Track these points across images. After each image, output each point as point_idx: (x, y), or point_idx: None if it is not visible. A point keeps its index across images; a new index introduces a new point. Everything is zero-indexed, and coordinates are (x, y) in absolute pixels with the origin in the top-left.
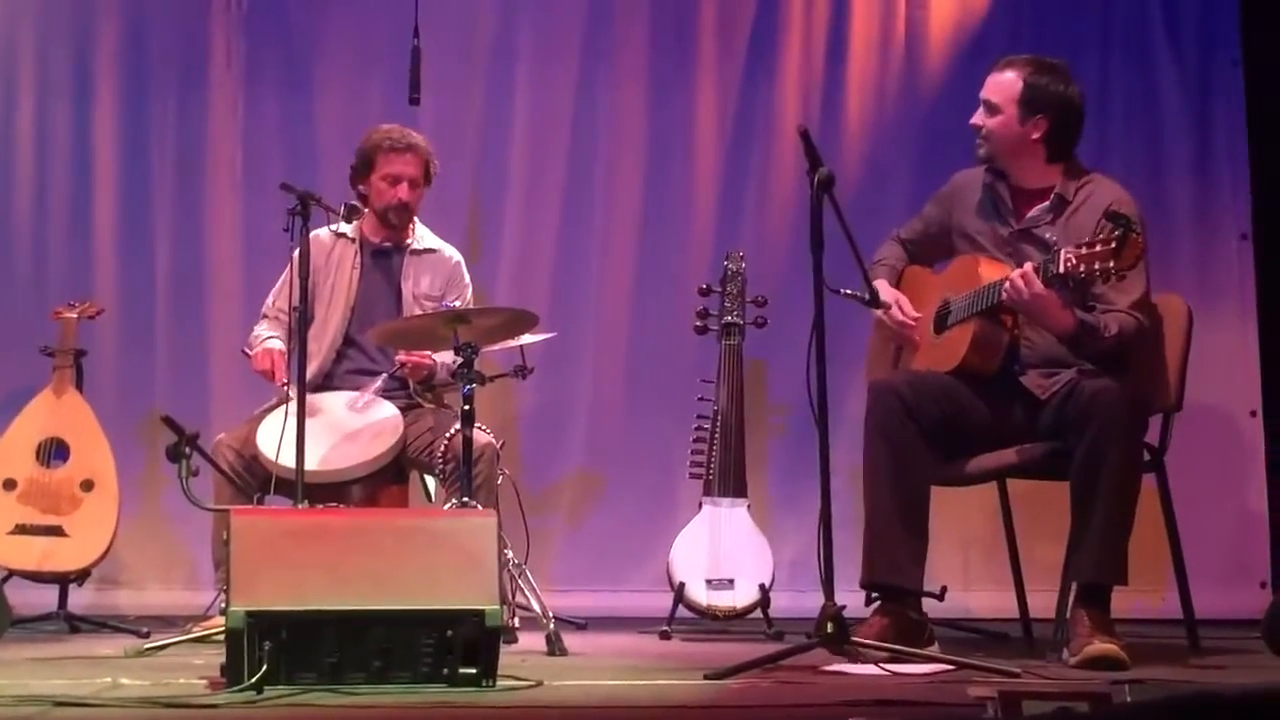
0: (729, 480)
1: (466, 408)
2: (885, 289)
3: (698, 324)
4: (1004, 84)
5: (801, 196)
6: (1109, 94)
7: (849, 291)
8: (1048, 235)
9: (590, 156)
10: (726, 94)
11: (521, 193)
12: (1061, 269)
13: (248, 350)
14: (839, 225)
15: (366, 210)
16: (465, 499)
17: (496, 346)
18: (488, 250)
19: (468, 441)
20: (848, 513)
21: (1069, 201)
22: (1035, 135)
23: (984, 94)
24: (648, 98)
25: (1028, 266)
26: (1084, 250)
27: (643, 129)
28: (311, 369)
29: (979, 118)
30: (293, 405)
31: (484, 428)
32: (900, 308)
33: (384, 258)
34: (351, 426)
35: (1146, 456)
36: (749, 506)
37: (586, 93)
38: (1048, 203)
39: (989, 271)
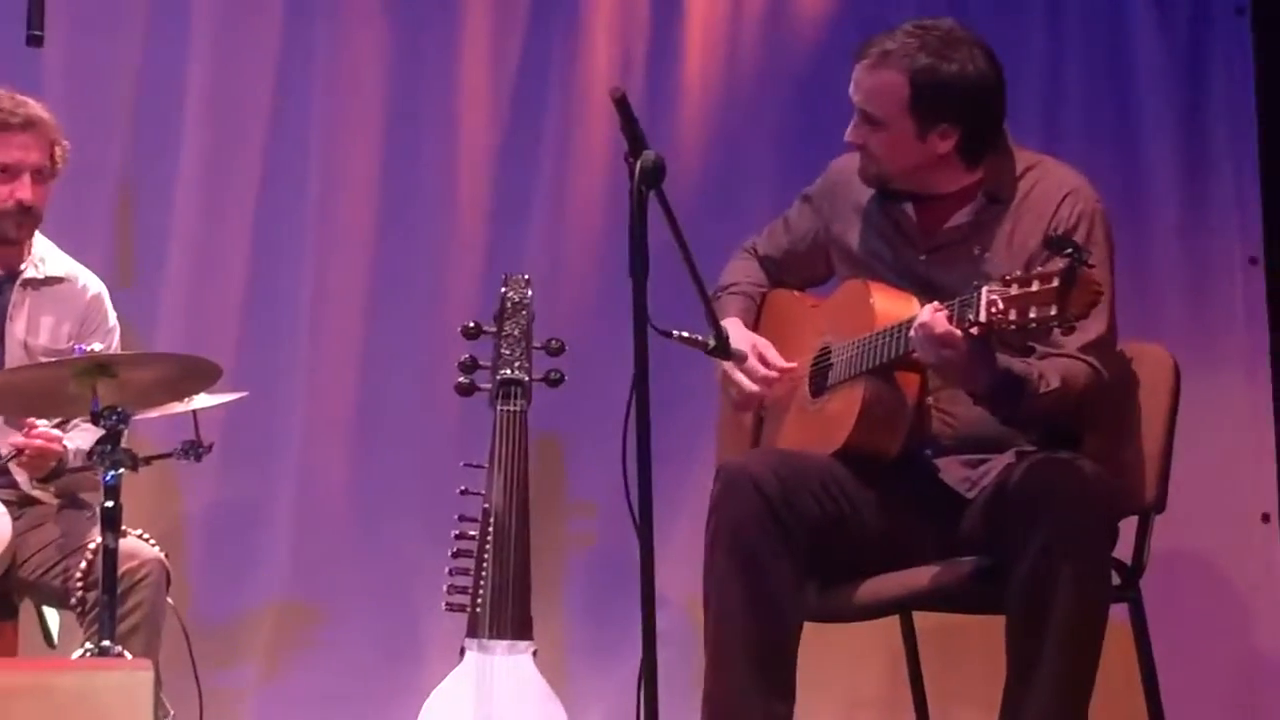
0: (505, 614)
1: (110, 504)
2: (739, 329)
3: (461, 380)
4: (883, 89)
5: (616, 193)
6: (1063, 65)
7: (685, 334)
8: (976, 250)
9: (302, 129)
10: (505, 43)
11: (197, 183)
12: (983, 316)
13: None
14: (671, 236)
15: None
16: (106, 642)
17: (156, 413)
18: (144, 269)
19: (111, 555)
20: (684, 662)
21: (1005, 200)
22: (943, 149)
23: (856, 99)
24: (387, 42)
25: (934, 312)
26: (1015, 290)
27: (379, 89)
28: None
29: (856, 133)
30: None
31: (146, 536)
32: (761, 356)
33: None
34: None
35: (1115, 579)
36: (535, 653)
37: (298, 32)
38: (973, 205)
39: (887, 306)
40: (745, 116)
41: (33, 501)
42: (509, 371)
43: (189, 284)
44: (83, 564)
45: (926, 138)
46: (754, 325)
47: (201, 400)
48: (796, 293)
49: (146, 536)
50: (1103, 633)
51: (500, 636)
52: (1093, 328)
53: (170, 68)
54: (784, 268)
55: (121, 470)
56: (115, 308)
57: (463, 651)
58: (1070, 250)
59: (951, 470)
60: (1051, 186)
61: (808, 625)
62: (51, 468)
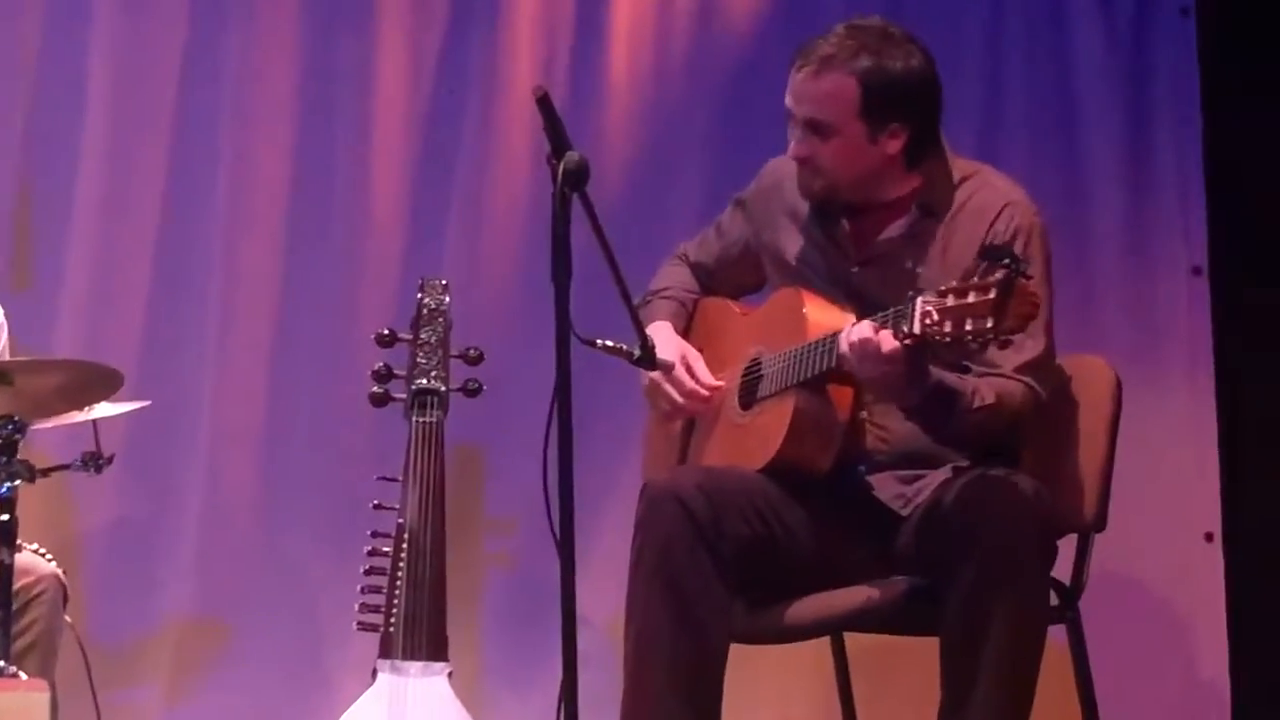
0: (419, 634)
1: (4, 518)
2: (667, 337)
3: (375, 390)
4: (832, 95)
5: (538, 196)
6: (1003, 68)
7: (610, 343)
8: (909, 264)
9: (209, 127)
10: (423, 39)
11: (98, 181)
12: (917, 327)
13: None
14: (595, 240)
15: None
16: (1, 662)
17: (54, 422)
18: (43, 270)
19: (5, 571)
20: (604, 684)
21: (939, 213)
22: (893, 150)
23: (800, 110)
24: (299, 38)
25: (874, 329)
26: (951, 301)
27: (290, 83)
28: None
29: (802, 146)
30: None
31: (43, 550)
32: (689, 369)
33: None
34: None
35: (1053, 600)
36: (450, 674)
37: (205, 26)
38: (907, 217)
39: (820, 317)
40: (673, 115)
41: None
42: (425, 381)
43: (90, 287)
44: None
45: (878, 139)
46: (685, 332)
47: (102, 409)
48: (728, 301)
49: (43, 551)
50: (1040, 655)
51: (414, 657)
52: (1029, 347)
53: (70, 60)
54: (716, 275)
55: (17, 482)
56: (11, 311)
57: (375, 673)
58: (1008, 261)
59: (885, 486)
60: (989, 198)
61: (736, 647)
62: None
